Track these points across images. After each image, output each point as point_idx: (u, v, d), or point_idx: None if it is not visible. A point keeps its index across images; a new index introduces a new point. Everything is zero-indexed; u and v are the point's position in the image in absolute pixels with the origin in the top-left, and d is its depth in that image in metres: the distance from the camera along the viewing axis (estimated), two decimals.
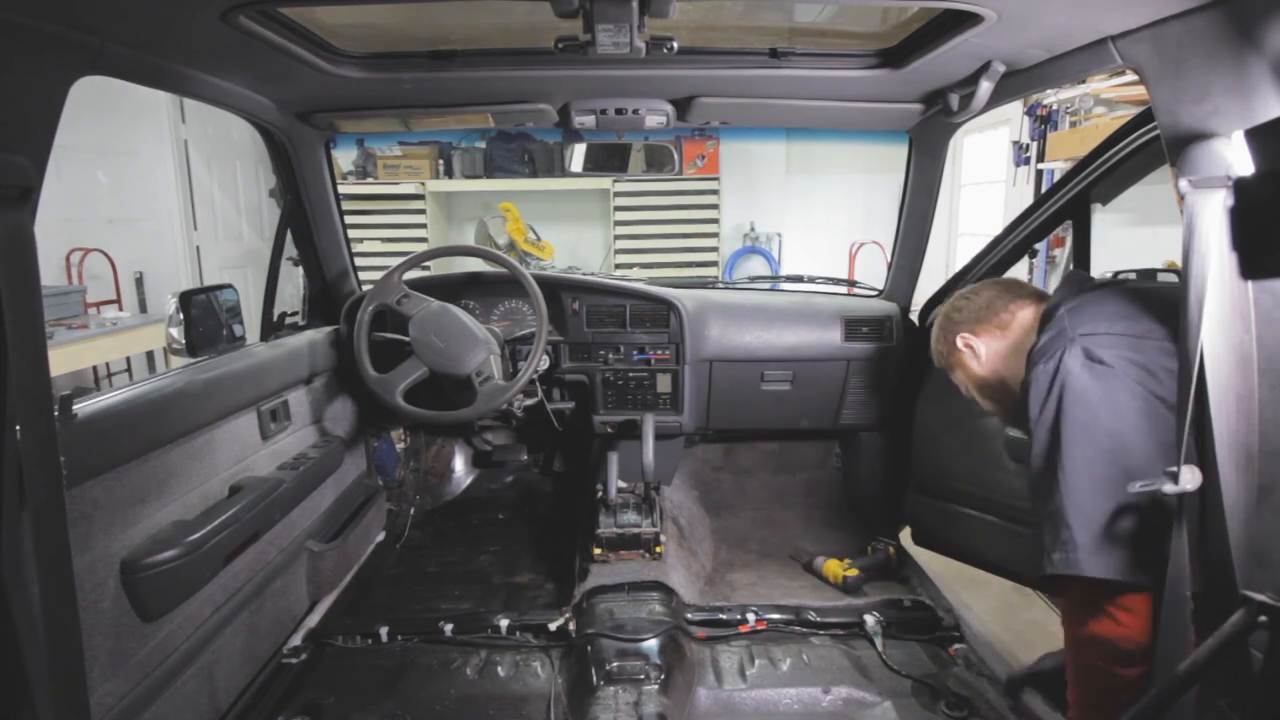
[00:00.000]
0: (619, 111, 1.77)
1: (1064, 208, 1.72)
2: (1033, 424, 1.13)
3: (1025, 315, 1.34)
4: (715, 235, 5.94)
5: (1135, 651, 1.02)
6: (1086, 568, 1.02)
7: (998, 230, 1.92)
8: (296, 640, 1.74)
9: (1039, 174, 4.51)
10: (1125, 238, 3.65)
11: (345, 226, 2.21)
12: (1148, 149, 1.46)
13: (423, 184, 5.70)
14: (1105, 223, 1.83)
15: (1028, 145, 4.63)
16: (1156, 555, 1.01)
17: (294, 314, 2.15)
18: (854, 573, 1.94)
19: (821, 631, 1.74)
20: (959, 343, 1.40)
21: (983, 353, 1.38)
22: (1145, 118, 1.44)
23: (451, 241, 6.11)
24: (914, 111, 1.79)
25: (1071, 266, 1.86)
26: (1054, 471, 1.08)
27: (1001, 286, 1.41)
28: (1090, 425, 1.07)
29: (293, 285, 2.93)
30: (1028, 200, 3.57)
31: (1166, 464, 1.00)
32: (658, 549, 1.91)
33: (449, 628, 1.73)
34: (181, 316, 1.59)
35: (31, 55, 0.95)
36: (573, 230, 6.21)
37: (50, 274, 4.49)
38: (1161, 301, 1.14)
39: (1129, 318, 1.14)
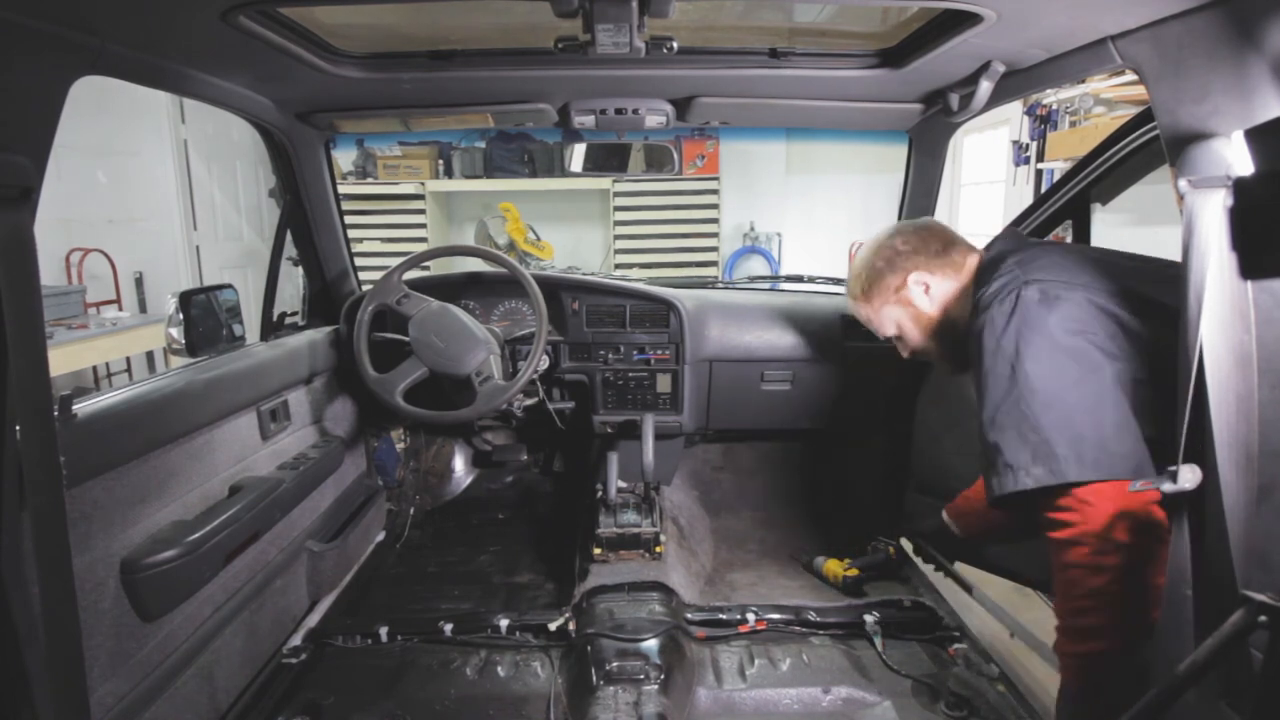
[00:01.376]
0: (619, 111, 1.77)
1: (1064, 208, 1.72)
2: (989, 356, 1.16)
3: (971, 262, 1.39)
4: (715, 235, 5.93)
5: (1110, 539, 1.05)
6: (1072, 473, 1.05)
7: (997, 230, 1.91)
8: (296, 640, 1.74)
9: (1039, 174, 4.50)
10: (1125, 238, 3.64)
11: (345, 226, 2.21)
12: (1148, 149, 1.47)
13: (423, 184, 5.69)
14: (1105, 223, 1.83)
15: (1028, 145, 4.62)
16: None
17: (294, 314, 2.15)
18: (854, 573, 1.94)
19: (821, 631, 1.74)
20: (911, 279, 1.41)
21: (937, 292, 1.41)
22: (1145, 118, 1.44)
23: (451, 241, 6.11)
24: (914, 111, 1.79)
25: None
26: (1020, 394, 1.11)
27: (943, 229, 1.45)
28: (1053, 345, 1.12)
29: (293, 285, 2.93)
30: (1028, 200, 3.57)
31: (1130, 386, 1.08)
32: (658, 549, 1.91)
33: (449, 628, 1.73)
34: (181, 316, 1.59)
35: (31, 55, 0.95)
36: (573, 230, 6.21)
37: (50, 274, 4.49)
38: (1096, 260, 1.22)
39: (1071, 270, 1.20)
